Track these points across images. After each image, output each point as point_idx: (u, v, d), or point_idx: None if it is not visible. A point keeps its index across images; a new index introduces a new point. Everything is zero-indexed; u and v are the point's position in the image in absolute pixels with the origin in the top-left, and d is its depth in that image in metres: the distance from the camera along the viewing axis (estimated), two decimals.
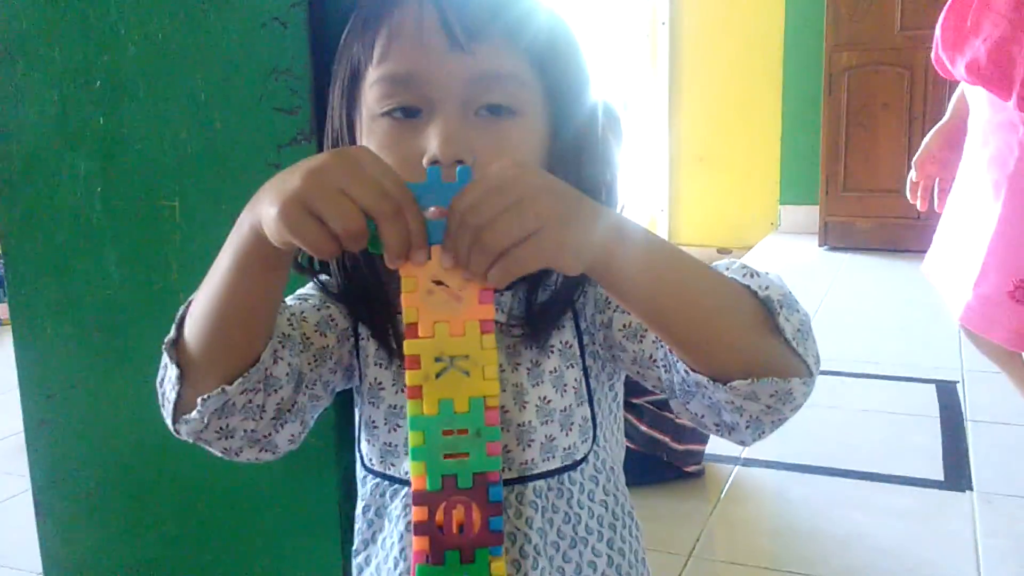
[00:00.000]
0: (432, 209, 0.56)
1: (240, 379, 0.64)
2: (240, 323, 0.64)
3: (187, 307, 0.66)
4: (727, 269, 0.66)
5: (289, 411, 0.70)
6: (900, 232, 4.51)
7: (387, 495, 0.77)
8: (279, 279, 0.64)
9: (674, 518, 1.91)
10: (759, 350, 0.63)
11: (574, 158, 0.73)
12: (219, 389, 0.64)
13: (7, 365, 1.05)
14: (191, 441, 0.68)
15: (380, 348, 0.76)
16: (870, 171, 4.59)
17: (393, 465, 0.76)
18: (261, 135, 0.87)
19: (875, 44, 4.51)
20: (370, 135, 0.71)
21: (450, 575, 0.58)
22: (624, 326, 0.72)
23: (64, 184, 0.95)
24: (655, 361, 0.70)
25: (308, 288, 0.79)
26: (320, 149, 0.85)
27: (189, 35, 0.87)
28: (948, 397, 2.62)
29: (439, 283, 0.56)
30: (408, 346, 0.56)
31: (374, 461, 0.77)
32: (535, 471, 0.74)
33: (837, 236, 4.74)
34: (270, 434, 0.70)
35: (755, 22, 4.95)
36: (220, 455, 0.70)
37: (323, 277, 0.78)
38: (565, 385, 0.74)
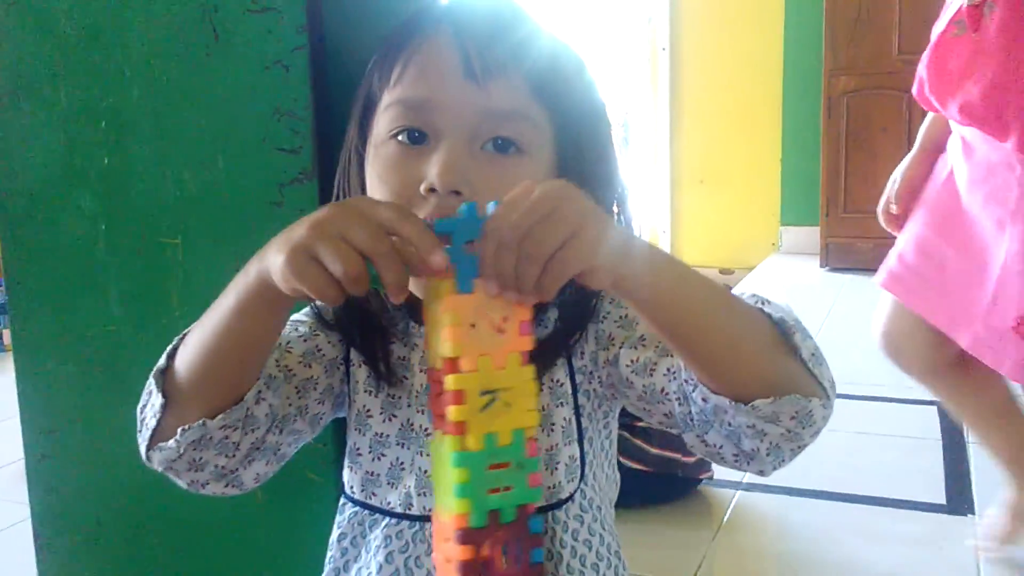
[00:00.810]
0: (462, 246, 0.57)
1: (222, 415, 0.66)
2: (233, 361, 0.66)
3: (180, 339, 0.67)
4: (740, 295, 0.67)
5: (258, 450, 0.70)
6: None
7: (366, 524, 0.77)
8: (278, 324, 0.66)
9: (675, 544, 1.90)
10: (779, 368, 0.64)
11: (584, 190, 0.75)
12: (200, 422, 0.65)
13: (10, 391, 1.06)
14: (160, 470, 0.69)
15: (370, 375, 0.76)
16: (870, 192, 4.56)
17: (374, 494, 0.76)
18: (263, 174, 0.88)
19: (873, 68, 4.54)
20: (375, 159, 0.72)
21: None
22: (632, 361, 0.72)
23: (68, 222, 0.96)
24: (667, 395, 0.70)
25: (302, 314, 0.79)
26: (322, 188, 0.86)
27: (193, 77, 0.89)
28: (950, 420, 2.61)
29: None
30: (453, 381, 0.55)
31: (355, 489, 0.77)
32: None
33: (838, 257, 4.75)
34: (238, 470, 0.70)
35: (754, 47, 4.98)
36: (186, 487, 0.70)
37: (319, 303, 0.78)
38: (553, 424, 0.74)
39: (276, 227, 0.87)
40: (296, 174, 0.87)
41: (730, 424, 0.66)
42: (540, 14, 0.74)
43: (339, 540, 0.79)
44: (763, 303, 0.67)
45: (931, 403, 2.72)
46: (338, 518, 0.79)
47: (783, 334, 0.64)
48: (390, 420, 0.76)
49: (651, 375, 0.71)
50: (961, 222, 1.53)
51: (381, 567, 0.75)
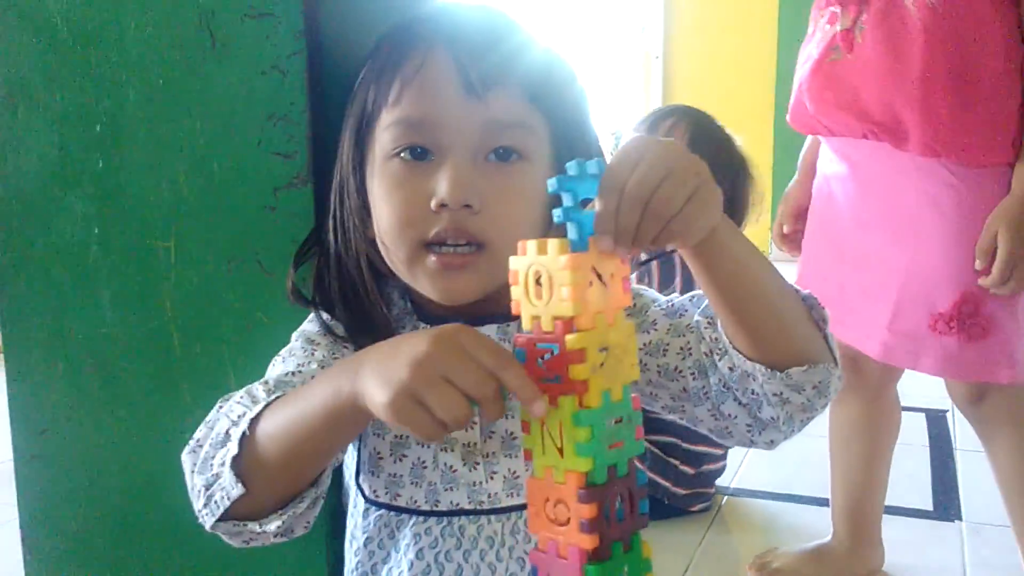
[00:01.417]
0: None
1: (307, 500, 0.68)
2: (317, 464, 0.68)
3: (249, 426, 0.66)
4: None
5: (314, 501, 0.71)
6: None
7: (393, 525, 0.78)
8: (360, 431, 0.70)
9: (662, 549, 1.88)
10: (809, 339, 0.69)
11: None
12: (291, 514, 0.67)
13: (3, 392, 1.06)
14: (218, 534, 0.70)
15: None
16: None
17: (399, 495, 0.77)
18: (258, 178, 0.89)
19: None
20: (381, 176, 0.74)
21: (616, 567, 0.56)
22: (646, 344, 0.75)
23: (61, 224, 0.96)
24: (680, 372, 0.73)
25: (314, 332, 0.79)
26: (318, 192, 0.87)
27: (189, 81, 0.89)
28: (937, 426, 2.63)
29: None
30: (574, 340, 0.55)
31: (379, 493, 0.78)
32: (499, 505, 0.76)
33: None
34: (292, 525, 0.71)
35: (748, 55, 5.00)
36: (237, 547, 0.71)
37: (325, 316, 0.79)
38: None
39: (270, 232, 0.89)
40: (291, 178, 0.88)
41: (754, 392, 0.69)
42: (534, 24, 0.76)
43: (365, 544, 0.80)
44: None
45: (918, 410, 2.73)
46: (361, 523, 0.80)
47: (809, 307, 0.69)
48: None
49: (664, 355, 0.74)
50: (852, 241, 1.59)
51: (412, 564, 0.77)
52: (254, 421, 0.66)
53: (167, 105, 0.90)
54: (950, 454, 2.42)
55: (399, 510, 0.77)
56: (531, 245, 0.57)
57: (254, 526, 0.67)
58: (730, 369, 0.69)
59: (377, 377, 0.58)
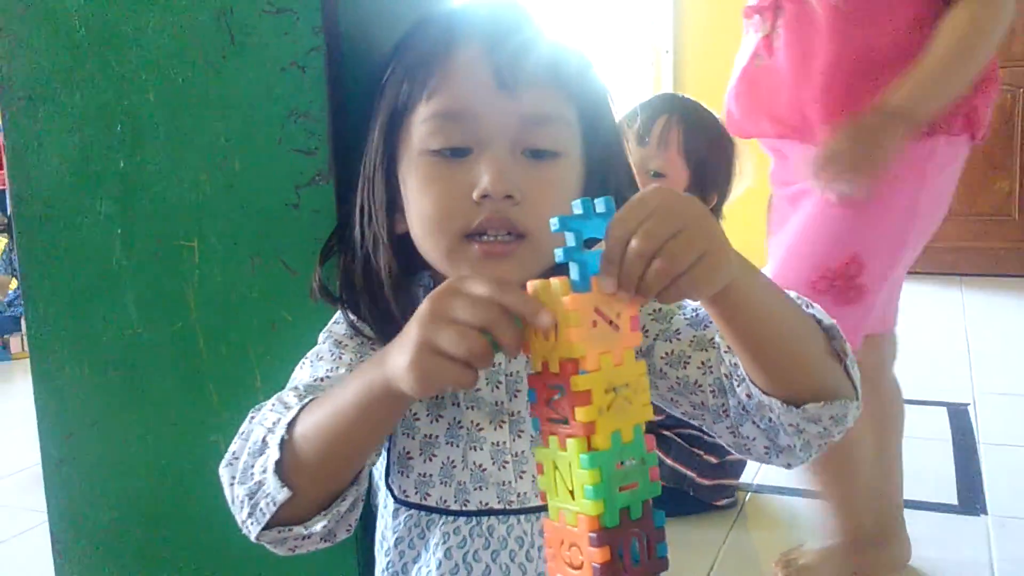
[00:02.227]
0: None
1: (349, 498, 0.68)
2: (359, 458, 0.68)
3: (286, 430, 0.66)
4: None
5: (355, 504, 0.71)
6: None
7: (423, 524, 0.78)
8: (398, 421, 0.70)
9: (687, 546, 1.90)
10: (828, 374, 0.68)
11: (606, 189, 0.77)
12: (335, 513, 0.68)
13: (25, 397, 1.06)
14: (264, 543, 0.70)
15: None
16: None
17: (428, 495, 0.77)
18: (280, 176, 0.88)
19: None
20: (416, 169, 0.74)
21: None
22: (667, 354, 0.75)
23: (84, 225, 0.96)
24: (700, 387, 0.73)
25: (343, 335, 0.79)
26: (340, 188, 0.87)
27: (209, 80, 0.89)
28: (960, 420, 2.61)
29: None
30: (579, 382, 0.55)
31: (408, 492, 0.78)
32: (528, 505, 0.76)
33: None
34: (334, 528, 0.71)
35: None
36: (282, 555, 0.71)
37: (352, 316, 0.79)
38: None
39: (293, 228, 0.88)
40: (313, 175, 0.87)
41: (771, 420, 0.69)
42: (545, 17, 0.77)
43: (396, 544, 0.80)
44: (808, 306, 0.70)
45: (939, 404, 2.71)
46: (392, 523, 0.80)
47: (830, 339, 0.68)
48: (437, 420, 0.77)
49: (685, 367, 0.74)
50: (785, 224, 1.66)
51: (440, 563, 0.77)
52: (291, 425, 0.66)
53: (187, 104, 0.90)
54: (973, 447, 2.40)
55: (429, 510, 0.77)
56: (535, 285, 0.57)
57: (299, 529, 0.68)
58: (747, 396, 0.70)
59: (396, 351, 0.59)
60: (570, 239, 0.56)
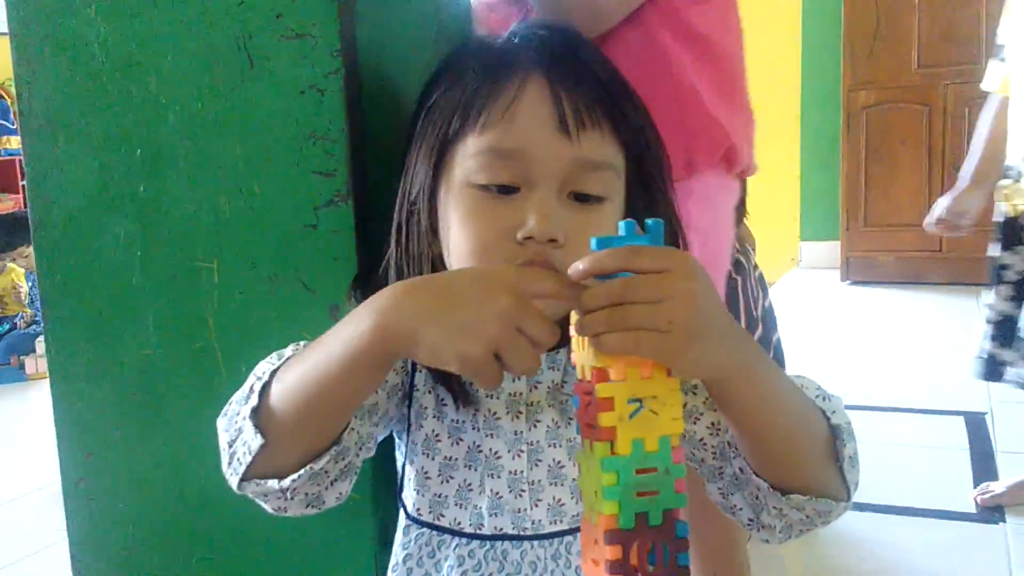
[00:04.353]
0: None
1: (326, 458, 0.68)
2: (338, 411, 0.67)
3: (268, 378, 0.67)
4: (804, 387, 0.70)
5: (343, 472, 0.72)
6: (922, 265, 4.51)
7: (434, 544, 0.78)
8: (384, 376, 0.68)
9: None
10: (820, 472, 0.68)
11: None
12: (307, 469, 0.67)
13: (42, 417, 1.07)
14: (248, 495, 0.70)
15: (439, 401, 0.77)
16: (890, 206, 4.61)
17: (442, 515, 0.78)
18: (298, 197, 0.89)
19: (892, 82, 4.56)
20: (460, 200, 0.73)
21: None
22: (683, 405, 0.74)
23: (104, 248, 0.97)
24: (704, 444, 0.74)
25: None
26: (358, 209, 0.87)
27: (228, 103, 0.90)
28: (977, 428, 2.60)
29: None
30: (603, 389, 0.58)
31: (422, 511, 0.78)
32: (542, 531, 0.76)
33: (859, 270, 4.74)
34: (323, 494, 0.72)
35: (772, 62, 4.98)
36: (271, 512, 0.71)
37: None
38: None
39: (312, 249, 0.89)
40: (331, 196, 0.88)
41: (757, 498, 0.70)
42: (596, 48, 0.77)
43: (404, 561, 0.80)
44: (824, 399, 0.69)
45: (956, 413, 2.70)
46: (402, 540, 0.80)
47: (834, 437, 0.68)
48: (457, 444, 0.78)
49: (695, 423, 0.75)
50: None
51: None
52: (274, 374, 0.67)
53: (206, 128, 0.91)
54: (991, 456, 2.39)
55: (441, 530, 0.78)
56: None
57: (273, 483, 0.67)
58: (740, 470, 0.70)
59: (441, 324, 0.59)
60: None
